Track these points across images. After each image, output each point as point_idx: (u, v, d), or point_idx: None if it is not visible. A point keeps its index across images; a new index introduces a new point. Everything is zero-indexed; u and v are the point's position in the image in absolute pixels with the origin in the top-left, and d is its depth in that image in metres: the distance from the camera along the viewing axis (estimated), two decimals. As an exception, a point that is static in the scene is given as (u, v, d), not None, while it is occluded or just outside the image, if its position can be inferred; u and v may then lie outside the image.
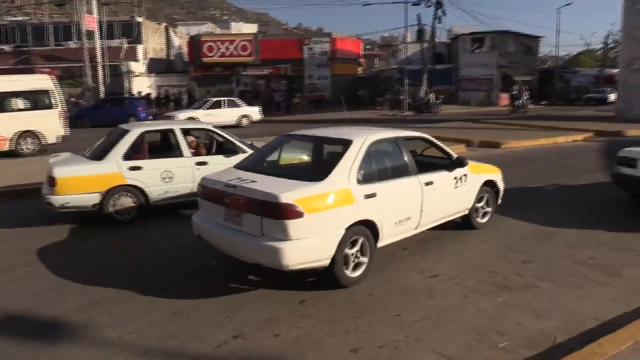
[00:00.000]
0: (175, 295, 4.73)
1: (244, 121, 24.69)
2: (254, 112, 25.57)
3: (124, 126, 7.85)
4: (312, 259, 4.50)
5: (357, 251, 4.88)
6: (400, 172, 5.46)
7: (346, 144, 5.13)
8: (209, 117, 22.06)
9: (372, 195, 4.93)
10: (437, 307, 4.39)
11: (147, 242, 6.50)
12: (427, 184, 5.61)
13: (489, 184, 6.74)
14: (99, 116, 24.23)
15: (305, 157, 6.37)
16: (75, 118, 25.91)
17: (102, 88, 31.44)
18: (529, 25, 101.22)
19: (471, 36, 44.86)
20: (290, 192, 4.40)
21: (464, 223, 6.63)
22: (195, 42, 39.12)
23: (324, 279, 4.79)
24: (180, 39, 46.52)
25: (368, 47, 68.04)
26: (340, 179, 4.77)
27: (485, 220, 6.79)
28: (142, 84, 37.44)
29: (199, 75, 39.45)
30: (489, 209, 6.83)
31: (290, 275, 4.71)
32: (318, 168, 5.40)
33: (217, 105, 24.49)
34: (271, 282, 4.92)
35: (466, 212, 6.51)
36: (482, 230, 6.59)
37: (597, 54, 74.83)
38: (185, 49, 43.65)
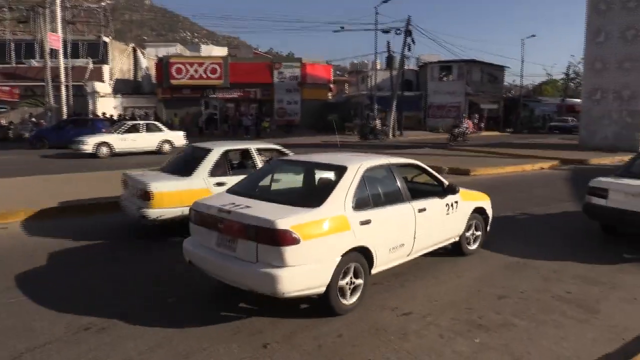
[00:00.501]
0: (126, 334, 4.26)
1: (166, 147, 22.14)
2: (178, 137, 23.21)
3: (205, 145, 8.22)
4: (308, 286, 4.42)
5: (351, 278, 4.80)
6: (394, 198, 5.45)
7: (341, 170, 5.11)
8: (124, 143, 20.83)
9: (367, 222, 4.88)
10: (411, 350, 4.06)
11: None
12: (420, 210, 5.60)
13: (479, 211, 6.77)
14: (60, 137, 23.28)
15: (298, 183, 6.22)
16: (35, 138, 25.03)
17: (65, 108, 30.47)
18: (495, 55, 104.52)
19: (439, 64, 45.85)
20: (286, 218, 4.32)
21: (454, 250, 6.58)
22: (163, 64, 38.60)
23: (318, 306, 4.68)
24: (148, 60, 45.89)
25: (338, 73, 68.78)
26: (336, 205, 4.73)
27: (475, 247, 6.76)
28: (108, 105, 36.54)
29: (166, 97, 38.80)
30: (478, 234, 6.82)
31: (282, 302, 4.56)
32: (313, 194, 5.25)
33: (134, 129, 21.85)
34: (233, 318, 4.62)
35: (457, 239, 6.49)
36: (454, 263, 6.35)
37: (558, 84, 77.59)
38: (153, 71, 43.04)
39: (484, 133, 41.51)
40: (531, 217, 9.31)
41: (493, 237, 7.32)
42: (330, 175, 5.32)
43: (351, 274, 4.78)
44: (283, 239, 4.21)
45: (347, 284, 4.74)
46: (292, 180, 6.27)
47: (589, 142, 24.34)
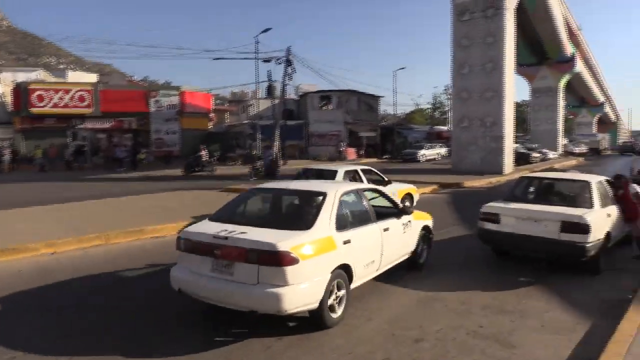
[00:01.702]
0: None
1: None
2: None
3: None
4: (306, 302, 4.76)
5: (336, 293, 5.18)
6: (365, 219, 6.01)
7: (323, 195, 5.56)
8: None
9: (348, 241, 5.38)
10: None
11: None
12: (385, 230, 6.21)
13: (425, 229, 7.50)
14: None
15: (278, 209, 6.42)
16: None
17: None
18: (369, 85, 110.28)
19: (319, 94, 46.89)
20: (286, 241, 4.70)
21: (410, 264, 7.20)
22: (21, 90, 34.67)
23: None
24: (4, 87, 41.09)
25: (219, 102, 67.59)
26: (324, 227, 5.17)
27: (423, 259, 7.47)
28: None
29: (25, 128, 34.83)
30: (425, 249, 7.52)
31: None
32: (302, 218, 5.46)
33: None
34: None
35: (411, 255, 7.13)
36: (364, 302, 5.91)
37: (425, 113, 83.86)
38: (9, 98, 38.53)
39: (365, 160, 43.00)
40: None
41: (398, 270, 7.04)
42: (311, 200, 5.70)
43: (337, 290, 5.17)
44: (285, 260, 4.58)
45: (334, 299, 5.13)
46: (270, 206, 6.49)
47: (460, 167, 26.06)
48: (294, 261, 4.60)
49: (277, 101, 35.99)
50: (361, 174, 11.38)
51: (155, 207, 13.21)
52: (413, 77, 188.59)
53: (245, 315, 4.82)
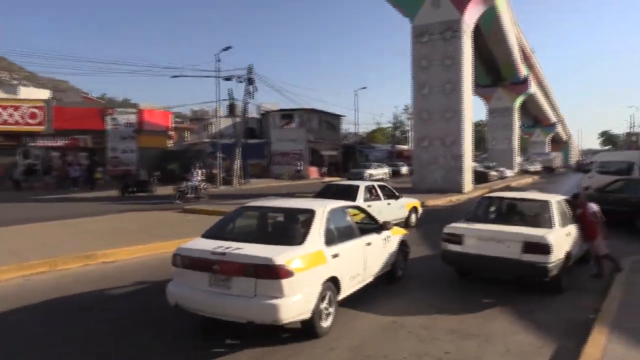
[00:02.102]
0: None
1: None
2: None
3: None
4: (300, 312, 5.05)
5: (327, 305, 5.47)
6: (349, 234, 6.40)
7: (311, 212, 5.91)
8: None
9: (337, 255, 5.73)
10: None
11: None
12: (368, 244, 6.63)
13: (402, 244, 7.91)
14: None
15: (266, 226, 6.64)
16: None
17: None
18: (331, 104, 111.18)
19: (281, 112, 46.81)
20: (281, 255, 5.00)
21: (388, 278, 7.55)
22: (-33, 107, 33.05)
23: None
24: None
25: (178, 120, 66.48)
26: (314, 242, 5.52)
27: (401, 272, 7.86)
28: None
29: (-29, 146, 33.13)
30: (402, 262, 7.94)
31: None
32: (293, 234, 5.74)
33: None
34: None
35: (390, 268, 7.49)
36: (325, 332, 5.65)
37: (386, 131, 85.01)
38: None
39: (327, 179, 42.98)
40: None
41: (358, 294, 6.82)
42: (301, 217, 6.09)
43: (326, 301, 5.46)
44: (281, 273, 4.86)
45: (324, 309, 5.42)
46: (261, 223, 6.67)
47: (421, 185, 26.28)
48: (289, 274, 4.89)
49: (238, 119, 35.68)
50: (378, 189, 13.15)
51: (108, 229, 12.61)
52: (374, 97, 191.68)
53: (234, 326, 5.21)
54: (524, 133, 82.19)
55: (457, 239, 7.42)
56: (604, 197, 12.19)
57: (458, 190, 24.80)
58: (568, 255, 7.37)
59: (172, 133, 45.77)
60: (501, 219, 8.11)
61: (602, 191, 14.01)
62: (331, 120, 50.57)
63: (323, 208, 6.06)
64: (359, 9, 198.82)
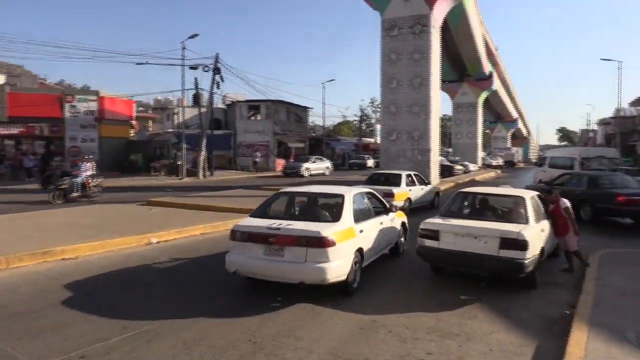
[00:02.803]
0: None
1: None
2: None
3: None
4: (339, 274, 6.33)
5: (356, 270, 6.84)
6: (368, 215, 7.80)
7: (341, 196, 7.26)
8: None
9: (362, 231, 7.13)
10: None
11: None
12: (380, 223, 8.09)
13: (403, 225, 9.51)
14: None
15: (306, 207, 7.83)
16: None
17: None
18: (299, 96, 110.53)
19: (247, 103, 46.08)
20: (327, 229, 6.35)
21: (392, 252, 9.01)
22: None
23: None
24: None
25: (141, 109, 64.74)
26: (347, 220, 6.90)
27: (402, 249, 9.32)
28: None
29: None
30: (402, 240, 9.40)
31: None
32: (330, 213, 7.16)
33: None
34: None
35: (395, 244, 8.96)
36: (303, 329, 5.44)
37: (352, 124, 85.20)
38: None
39: (293, 171, 42.66)
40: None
41: (334, 291, 6.64)
42: (334, 200, 7.52)
43: (356, 267, 6.82)
44: (327, 243, 6.17)
45: (354, 273, 6.75)
46: (299, 205, 7.97)
47: (389, 179, 26.27)
48: (333, 244, 6.19)
49: (204, 110, 34.90)
50: (414, 177, 16.61)
51: (65, 224, 12.01)
52: (342, 89, 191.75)
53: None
54: (486, 128, 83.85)
55: (433, 234, 7.32)
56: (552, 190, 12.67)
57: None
58: (542, 251, 7.40)
59: (134, 122, 44.42)
60: (476, 214, 8.08)
61: (550, 184, 15.21)
62: (298, 112, 50.18)
63: (350, 193, 7.43)
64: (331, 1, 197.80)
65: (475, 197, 8.59)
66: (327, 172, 38.52)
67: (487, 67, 50.08)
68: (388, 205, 8.82)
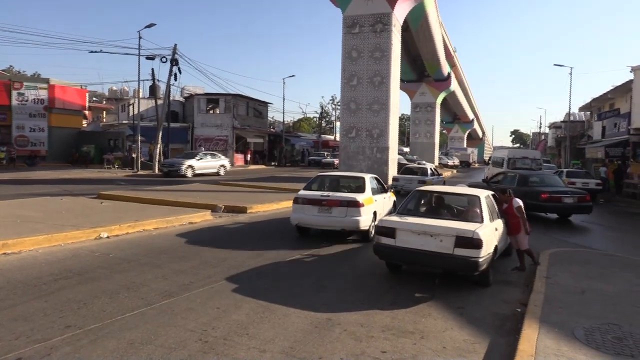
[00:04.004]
0: None
1: None
2: None
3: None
4: (365, 225, 10.17)
5: (373, 224, 10.38)
6: (377, 191, 11.48)
7: (363, 178, 11.22)
8: None
9: (376, 200, 10.99)
10: None
11: None
12: (384, 198, 11.77)
13: (394, 203, 12.57)
14: None
15: (341, 184, 11.50)
16: None
17: None
18: (259, 91, 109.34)
19: (206, 97, 45.27)
20: (359, 196, 10.27)
21: None
22: None
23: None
24: None
25: (95, 99, 62.55)
26: (368, 192, 10.74)
27: None
28: None
29: None
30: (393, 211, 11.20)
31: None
32: (358, 187, 10.98)
33: None
34: None
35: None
36: (256, 328, 5.29)
37: (312, 121, 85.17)
38: None
39: (252, 167, 42.25)
40: (319, 257, 8.94)
41: (291, 288, 6.53)
42: (359, 180, 11.28)
43: (374, 223, 10.32)
44: (359, 204, 10.04)
45: (371, 227, 10.36)
46: (335, 182, 11.55)
47: (347, 176, 26.35)
48: (362, 205, 10.08)
49: (160, 102, 34.01)
50: (435, 170, 23.96)
51: (7, 217, 11.40)
52: (302, 86, 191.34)
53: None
54: (443, 128, 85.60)
55: (390, 232, 7.31)
56: (489, 187, 13.56)
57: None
58: (496, 249, 7.51)
59: (87, 112, 42.88)
60: (432, 212, 8.12)
61: (488, 182, 17.17)
62: (258, 107, 49.71)
63: (368, 176, 11.43)
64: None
65: (432, 196, 8.64)
66: (222, 172, 30.54)
67: (446, 68, 51.04)
68: (386, 187, 12.40)
